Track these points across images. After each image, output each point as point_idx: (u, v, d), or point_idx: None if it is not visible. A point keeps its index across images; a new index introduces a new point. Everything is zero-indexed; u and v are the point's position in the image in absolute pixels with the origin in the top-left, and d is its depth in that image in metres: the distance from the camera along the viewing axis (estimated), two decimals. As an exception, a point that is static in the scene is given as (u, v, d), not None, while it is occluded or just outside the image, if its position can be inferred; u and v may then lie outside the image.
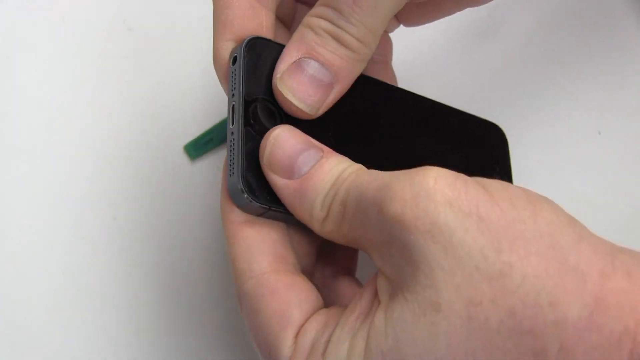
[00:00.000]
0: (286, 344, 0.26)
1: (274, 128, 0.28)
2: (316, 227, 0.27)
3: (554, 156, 0.37)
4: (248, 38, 0.28)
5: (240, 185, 0.27)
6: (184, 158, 0.39)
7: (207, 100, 0.40)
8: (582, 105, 0.42)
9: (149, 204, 0.38)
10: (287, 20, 0.31)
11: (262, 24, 0.29)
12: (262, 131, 0.28)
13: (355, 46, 0.28)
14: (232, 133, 0.28)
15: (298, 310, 0.26)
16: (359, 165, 0.27)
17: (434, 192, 0.23)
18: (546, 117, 0.39)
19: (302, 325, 0.26)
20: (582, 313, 0.22)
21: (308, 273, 0.30)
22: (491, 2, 0.34)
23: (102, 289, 0.37)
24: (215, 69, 0.29)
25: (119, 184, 0.39)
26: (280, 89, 0.28)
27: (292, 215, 0.28)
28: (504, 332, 0.22)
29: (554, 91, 0.42)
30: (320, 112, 0.28)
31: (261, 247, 0.27)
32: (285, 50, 0.28)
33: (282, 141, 0.28)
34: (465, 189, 0.23)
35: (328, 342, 0.25)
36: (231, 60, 0.28)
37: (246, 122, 0.27)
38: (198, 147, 0.39)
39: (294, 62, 0.28)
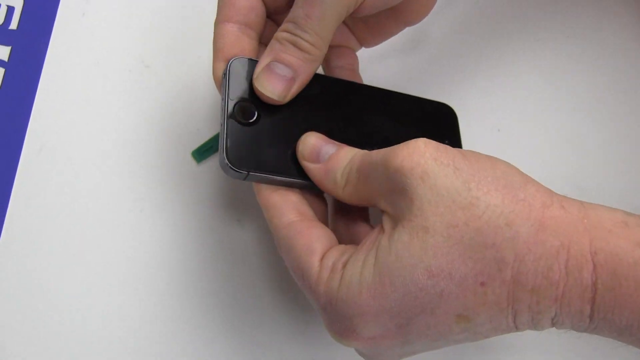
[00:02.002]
0: (314, 265, 0.29)
1: (305, 134, 0.33)
2: (339, 193, 0.31)
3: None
4: (231, 60, 0.33)
5: (225, 159, 0.31)
6: (191, 161, 0.42)
7: (208, 117, 0.43)
8: (483, 106, 0.45)
9: (166, 197, 0.41)
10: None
11: (245, 49, 0.34)
12: (243, 121, 0.32)
13: (308, 49, 0.32)
14: (221, 124, 0.32)
15: (319, 243, 0.30)
16: (365, 151, 0.31)
17: (424, 151, 0.28)
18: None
19: (324, 254, 0.30)
20: (529, 231, 0.26)
21: (325, 223, 0.34)
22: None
23: (133, 266, 0.40)
24: (214, 81, 0.34)
25: (143, 183, 0.42)
26: (257, 85, 0.32)
27: (267, 177, 0.32)
28: (474, 246, 0.26)
29: (461, 94, 0.45)
30: (288, 98, 0.33)
31: (287, 206, 0.32)
32: (261, 58, 0.33)
33: (309, 139, 0.33)
34: (445, 150, 0.28)
35: (347, 262, 0.29)
36: (222, 75, 0.33)
37: (230, 116, 0.32)
38: (202, 153, 0.42)
39: (266, 65, 0.32)
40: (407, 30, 0.39)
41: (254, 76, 0.32)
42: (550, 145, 0.45)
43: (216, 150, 0.42)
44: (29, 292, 0.39)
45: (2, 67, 0.43)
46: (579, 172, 0.44)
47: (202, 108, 0.44)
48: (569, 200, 0.27)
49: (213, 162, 0.43)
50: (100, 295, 0.39)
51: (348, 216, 0.34)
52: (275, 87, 0.32)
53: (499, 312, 0.27)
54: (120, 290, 0.40)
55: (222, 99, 0.33)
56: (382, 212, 0.29)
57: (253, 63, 0.33)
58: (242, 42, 0.34)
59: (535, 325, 0.27)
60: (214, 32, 0.34)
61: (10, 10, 0.44)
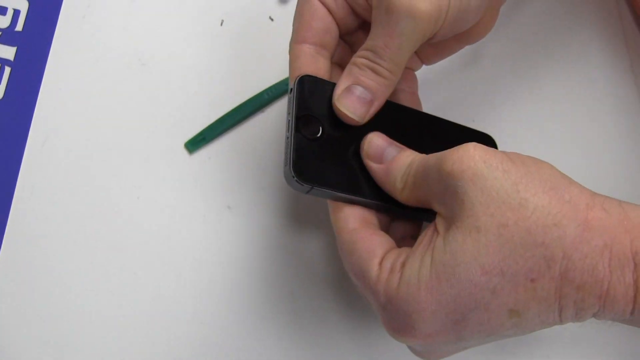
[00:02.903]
0: (374, 268, 0.30)
1: (370, 134, 0.33)
2: (398, 194, 0.32)
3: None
4: (298, 77, 0.34)
5: (291, 172, 0.32)
6: (184, 152, 0.44)
7: (199, 111, 0.45)
8: (460, 98, 0.47)
9: (161, 185, 0.43)
10: (343, 64, 0.36)
11: (320, 69, 0.35)
12: (308, 136, 0.33)
13: (386, 75, 0.33)
14: (287, 137, 0.33)
15: (380, 248, 0.31)
16: (423, 155, 0.32)
17: (473, 155, 0.28)
18: (431, 107, 0.40)
19: (383, 257, 0.31)
20: (576, 231, 0.27)
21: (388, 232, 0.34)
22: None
23: (129, 251, 0.41)
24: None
25: (141, 170, 0.43)
26: (338, 105, 0.33)
27: (329, 193, 0.32)
28: (524, 244, 0.27)
29: (438, 87, 0.46)
30: (365, 119, 0.34)
31: (354, 213, 0.33)
32: (339, 81, 0.33)
33: (374, 140, 0.33)
34: (493, 153, 0.29)
35: (404, 263, 0.30)
36: (289, 90, 0.34)
37: (297, 129, 0.33)
38: (194, 144, 0.43)
39: (346, 87, 0.33)
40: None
41: (335, 97, 0.33)
42: (519, 132, 0.47)
43: (207, 142, 0.44)
44: (33, 281, 0.40)
45: (9, 66, 0.44)
46: (544, 158, 0.45)
47: (194, 102, 0.45)
48: (609, 201, 0.28)
49: (204, 153, 0.44)
50: (101, 281, 0.41)
51: (399, 229, 0.35)
52: (356, 108, 0.33)
53: (547, 307, 0.27)
54: (119, 274, 0.41)
55: (288, 113, 0.33)
56: (436, 214, 0.30)
57: (319, 81, 0.34)
58: (317, 63, 0.35)
59: (578, 319, 0.28)
60: (291, 53, 0.35)
61: (16, 13, 0.45)
